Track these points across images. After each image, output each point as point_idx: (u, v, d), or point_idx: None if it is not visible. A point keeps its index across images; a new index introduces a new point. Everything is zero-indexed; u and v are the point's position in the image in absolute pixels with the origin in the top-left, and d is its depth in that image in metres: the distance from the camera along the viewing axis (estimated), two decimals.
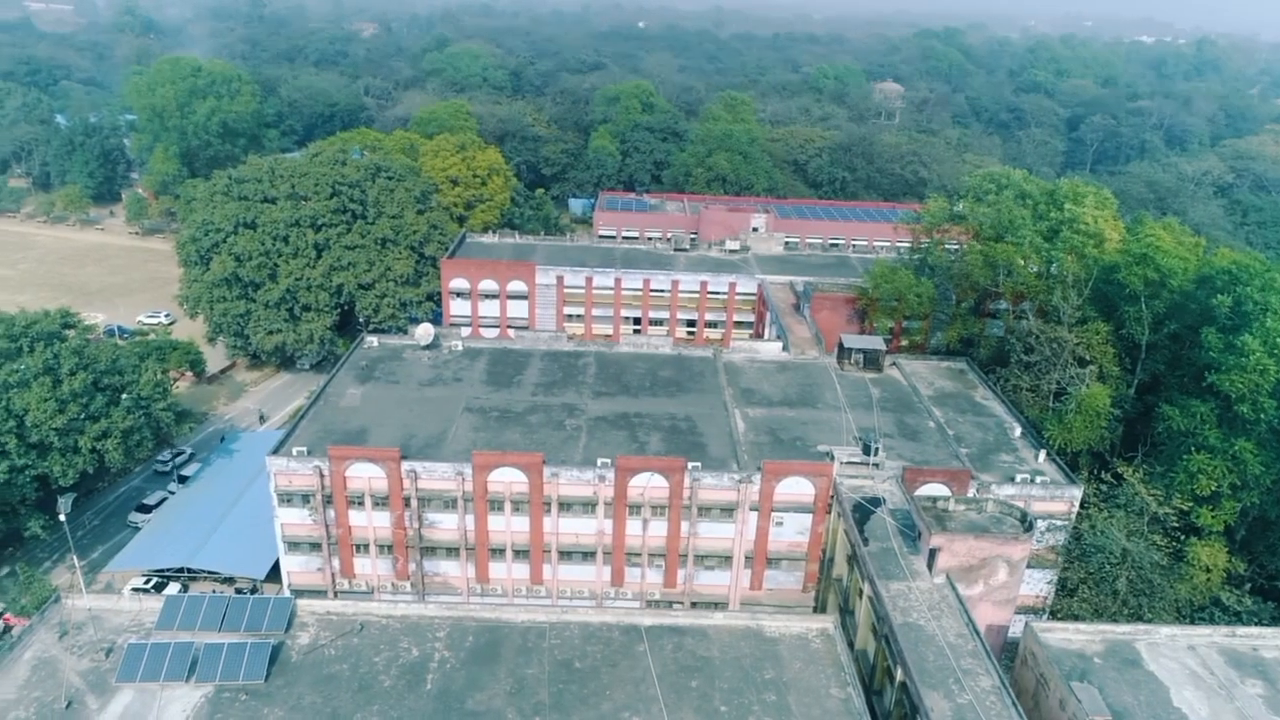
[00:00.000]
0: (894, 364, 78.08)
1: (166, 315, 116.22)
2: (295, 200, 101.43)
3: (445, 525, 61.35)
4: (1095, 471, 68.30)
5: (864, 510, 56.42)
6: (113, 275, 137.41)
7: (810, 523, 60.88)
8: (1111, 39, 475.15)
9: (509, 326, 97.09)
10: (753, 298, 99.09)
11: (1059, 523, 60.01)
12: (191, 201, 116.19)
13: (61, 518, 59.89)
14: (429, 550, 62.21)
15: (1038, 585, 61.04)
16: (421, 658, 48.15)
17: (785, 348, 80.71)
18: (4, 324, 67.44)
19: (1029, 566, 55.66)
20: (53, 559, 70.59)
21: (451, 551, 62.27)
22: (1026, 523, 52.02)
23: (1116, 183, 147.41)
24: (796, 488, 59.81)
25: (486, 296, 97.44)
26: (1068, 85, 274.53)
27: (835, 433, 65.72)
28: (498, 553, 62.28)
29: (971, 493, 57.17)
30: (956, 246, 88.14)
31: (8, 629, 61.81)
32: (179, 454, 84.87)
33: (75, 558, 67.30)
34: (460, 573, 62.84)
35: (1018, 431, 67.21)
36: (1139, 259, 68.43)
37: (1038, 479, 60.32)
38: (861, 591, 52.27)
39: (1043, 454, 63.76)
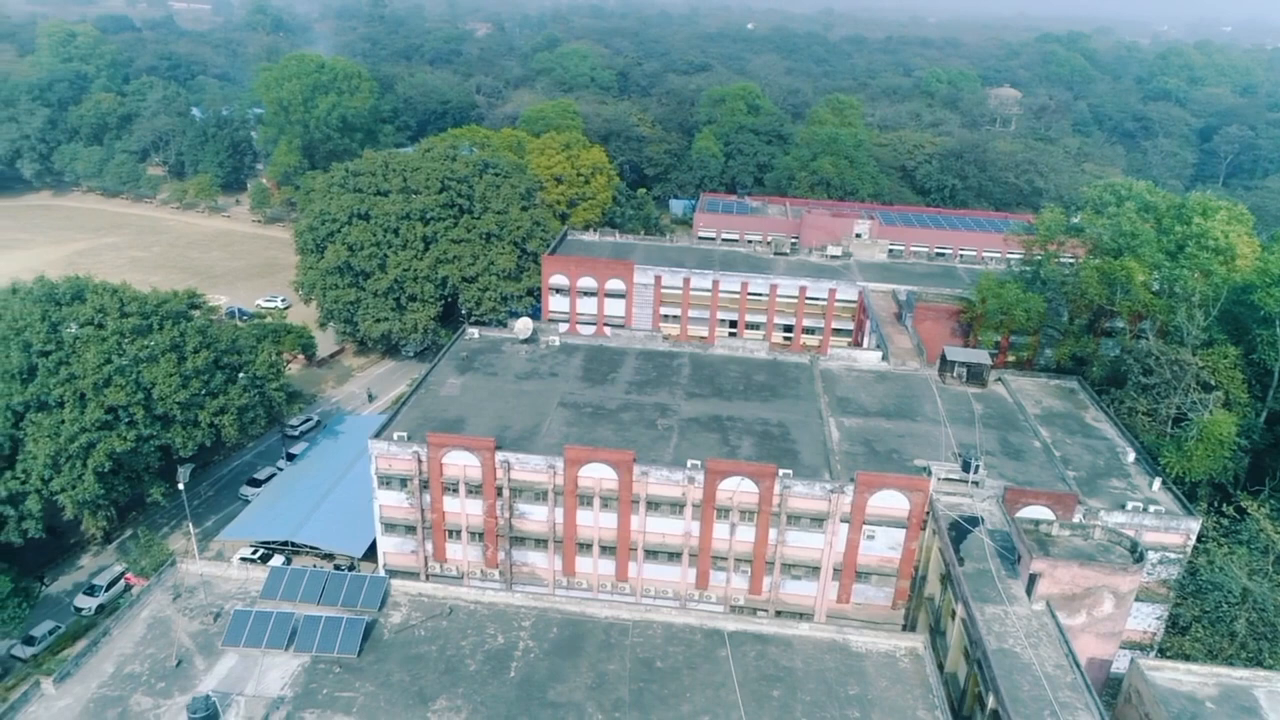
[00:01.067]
0: (999, 379, 75.30)
1: (283, 300, 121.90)
2: (406, 194, 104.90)
3: (535, 517, 62.34)
4: (1215, 504, 64.35)
5: (961, 529, 54.58)
6: (235, 260, 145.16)
7: (903, 538, 59.31)
8: (1252, 45, 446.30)
9: (605, 324, 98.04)
10: (853, 305, 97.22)
11: (1173, 556, 56.74)
12: (310, 192, 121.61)
13: (180, 486, 63.59)
14: (518, 540, 63.33)
15: (1146, 620, 57.87)
16: (506, 645, 49.05)
17: (885, 357, 78.86)
18: (137, 302, 71.91)
19: (1137, 600, 52.79)
20: (171, 525, 74.97)
21: (540, 543, 63.26)
22: (1137, 553, 49.36)
23: (1253, 198, 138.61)
24: (890, 501, 58.36)
25: (585, 294, 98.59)
26: (1201, 94, 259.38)
27: (934, 447, 63.83)
28: (585, 547, 62.94)
29: (1078, 518, 54.62)
30: (1071, 260, 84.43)
31: (129, 588, 65.99)
32: (306, 420, 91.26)
33: (190, 525, 71.29)
34: (547, 564, 63.76)
35: (1131, 457, 63.85)
36: (1277, 279, 64.04)
37: (1151, 508, 57.15)
38: (954, 613, 50.58)
39: (1158, 482, 60.40)
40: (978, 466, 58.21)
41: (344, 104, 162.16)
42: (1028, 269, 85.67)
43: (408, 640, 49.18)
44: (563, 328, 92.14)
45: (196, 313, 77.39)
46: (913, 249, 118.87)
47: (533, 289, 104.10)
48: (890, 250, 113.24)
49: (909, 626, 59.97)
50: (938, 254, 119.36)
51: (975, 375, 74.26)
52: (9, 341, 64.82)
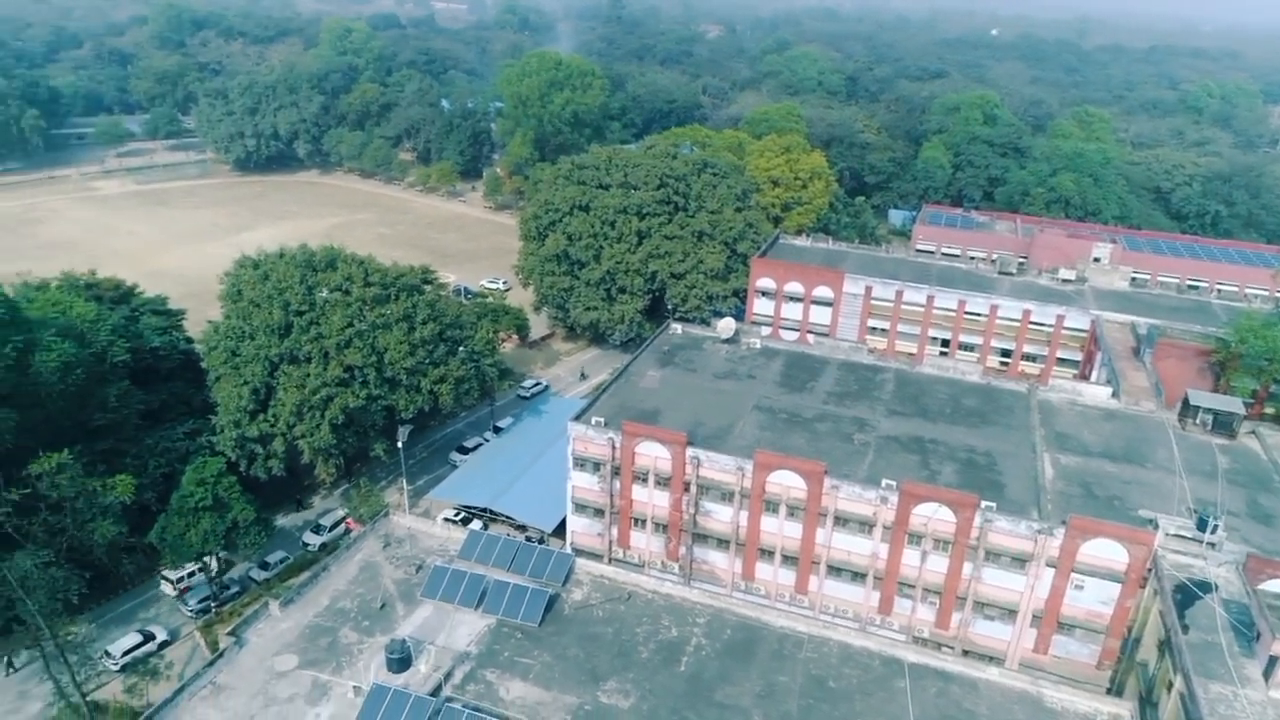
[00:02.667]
0: (1252, 432, 66.74)
1: (504, 282, 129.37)
2: (626, 189, 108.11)
3: (719, 516, 62.39)
4: None
5: (1188, 593, 48.91)
6: (466, 242, 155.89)
7: (1117, 593, 53.96)
8: None
9: (809, 331, 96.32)
10: (1083, 334, 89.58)
11: None
12: (538, 183, 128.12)
13: (399, 445, 69.42)
14: (700, 537, 63.64)
15: None
16: (679, 639, 49.49)
17: (1115, 394, 72.09)
18: (379, 274, 78.90)
19: None
20: (388, 479, 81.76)
21: (722, 543, 63.24)
22: None
23: None
24: (1106, 551, 53.27)
25: (791, 299, 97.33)
26: None
27: (1164, 499, 57.62)
28: (766, 554, 62.22)
29: None
30: None
31: (348, 531, 72.72)
32: (535, 384, 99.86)
33: (404, 482, 77.43)
34: (727, 565, 63.64)
35: None
36: None
37: None
38: (1171, 685, 45.43)
39: None
40: (1216, 526, 51.86)
41: (577, 100, 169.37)
42: None
43: (586, 618, 50.81)
44: (765, 331, 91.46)
45: (428, 288, 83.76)
46: (1160, 279, 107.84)
47: (739, 290, 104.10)
48: (1133, 278, 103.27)
49: (1115, 691, 54.54)
50: (1189, 286, 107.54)
51: (1223, 424, 66.22)
52: (273, 300, 73.15)
